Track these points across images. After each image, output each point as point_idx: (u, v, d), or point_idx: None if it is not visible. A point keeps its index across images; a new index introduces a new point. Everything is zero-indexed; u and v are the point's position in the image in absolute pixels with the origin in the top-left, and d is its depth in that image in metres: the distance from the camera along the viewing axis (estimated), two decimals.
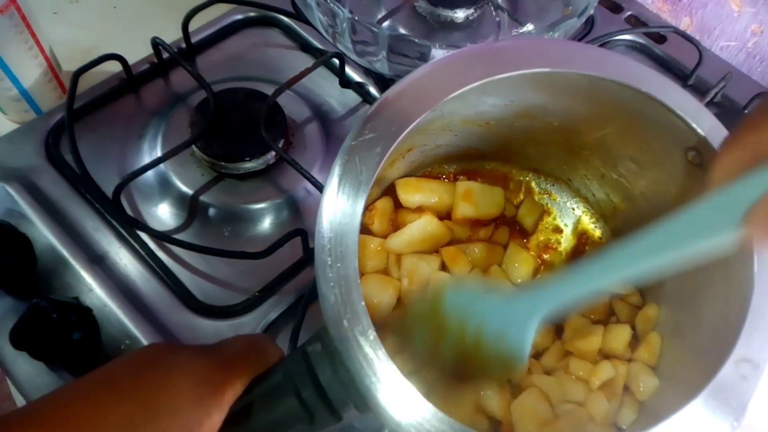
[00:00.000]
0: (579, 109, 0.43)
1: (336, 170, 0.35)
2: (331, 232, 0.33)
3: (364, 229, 0.45)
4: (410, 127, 0.36)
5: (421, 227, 0.44)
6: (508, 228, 0.48)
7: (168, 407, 0.30)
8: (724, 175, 0.27)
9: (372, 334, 0.31)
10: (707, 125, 0.38)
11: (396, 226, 0.45)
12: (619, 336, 0.43)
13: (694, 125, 0.38)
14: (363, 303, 0.32)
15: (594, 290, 0.32)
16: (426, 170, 0.49)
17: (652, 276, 0.30)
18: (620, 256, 0.31)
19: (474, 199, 0.46)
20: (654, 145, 0.42)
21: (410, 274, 0.43)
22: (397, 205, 0.46)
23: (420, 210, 0.46)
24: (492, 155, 0.50)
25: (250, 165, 0.57)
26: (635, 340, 0.43)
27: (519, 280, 0.46)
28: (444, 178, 0.49)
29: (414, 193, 0.46)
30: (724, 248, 0.28)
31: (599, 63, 0.40)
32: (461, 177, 0.49)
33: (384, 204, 0.45)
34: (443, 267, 0.45)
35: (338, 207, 0.34)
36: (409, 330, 0.38)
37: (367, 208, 0.45)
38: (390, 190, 0.47)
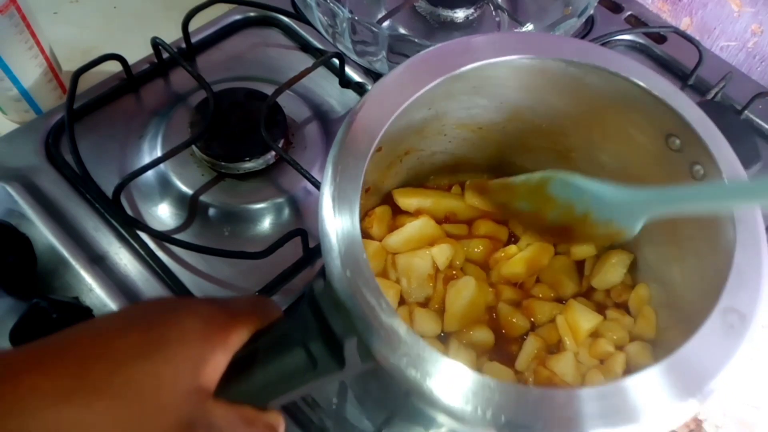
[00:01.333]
0: (564, 108, 0.44)
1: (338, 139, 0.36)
2: (336, 190, 0.34)
3: (364, 234, 0.46)
4: (400, 109, 0.37)
5: (418, 227, 0.45)
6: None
7: (176, 339, 0.30)
8: None
9: (374, 283, 0.32)
10: (686, 109, 0.39)
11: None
12: (616, 330, 0.43)
13: (674, 107, 0.39)
14: (365, 255, 0.32)
15: (695, 209, 0.36)
16: (421, 182, 0.50)
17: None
18: (715, 192, 0.36)
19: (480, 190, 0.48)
20: (636, 136, 0.42)
21: (407, 272, 0.44)
22: (396, 213, 0.47)
23: (418, 214, 0.47)
24: (485, 166, 0.50)
25: (250, 165, 0.57)
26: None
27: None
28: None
29: (412, 197, 0.47)
30: None
31: (581, 52, 0.41)
32: (455, 186, 0.50)
33: (382, 210, 0.46)
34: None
35: (340, 173, 0.35)
36: (511, 197, 0.44)
37: (366, 214, 0.46)
38: (388, 199, 0.48)
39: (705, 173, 0.38)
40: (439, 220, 0.47)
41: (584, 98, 0.42)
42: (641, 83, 0.40)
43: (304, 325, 0.33)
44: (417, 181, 0.50)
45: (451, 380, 0.30)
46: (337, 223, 0.33)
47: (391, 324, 0.31)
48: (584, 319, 0.42)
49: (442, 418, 0.32)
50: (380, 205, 0.47)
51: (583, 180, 0.40)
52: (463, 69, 0.39)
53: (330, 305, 0.33)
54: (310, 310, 0.33)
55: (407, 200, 0.47)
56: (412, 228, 0.45)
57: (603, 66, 0.40)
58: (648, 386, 0.31)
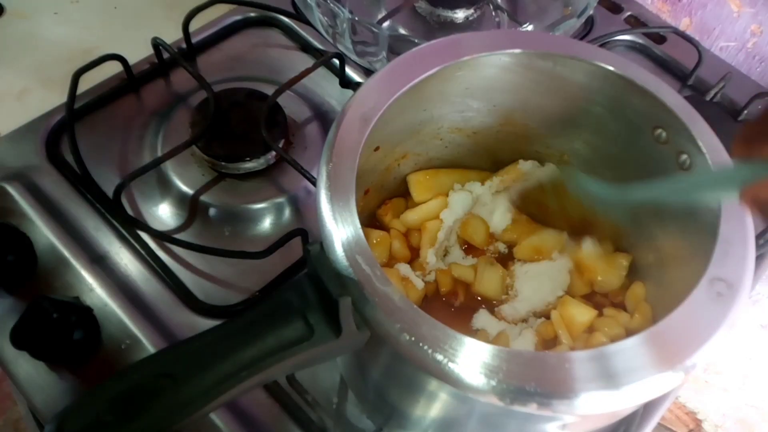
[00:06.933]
0: (553, 108, 0.45)
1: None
2: (332, 167, 0.37)
3: (377, 223, 0.48)
4: (393, 98, 0.39)
5: (434, 205, 0.48)
6: None
7: None
8: (740, 152, 0.32)
9: (369, 252, 0.33)
10: (670, 99, 0.39)
11: None
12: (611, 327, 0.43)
13: (659, 97, 0.40)
14: (359, 225, 0.34)
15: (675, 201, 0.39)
16: None
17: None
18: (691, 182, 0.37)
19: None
20: (624, 133, 0.43)
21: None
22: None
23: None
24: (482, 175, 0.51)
25: (250, 165, 0.57)
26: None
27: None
28: None
29: (426, 191, 0.49)
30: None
31: (567, 46, 0.42)
32: None
33: (397, 201, 0.48)
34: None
35: (336, 150, 0.38)
36: (544, 196, 0.47)
37: (383, 202, 0.48)
38: (405, 193, 0.49)
39: (692, 162, 0.39)
40: None
41: (572, 98, 0.43)
42: (624, 74, 0.40)
43: (303, 294, 0.34)
44: None
45: (444, 343, 0.31)
46: (332, 194, 0.35)
47: (385, 291, 0.32)
48: (579, 313, 0.43)
49: (435, 384, 0.33)
50: (395, 197, 0.49)
51: (581, 175, 0.42)
52: (452, 63, 0.40)
53: (327, 272, 0.33)
54: (308, 280, 0.34)
55: (422, 192, 0.49)
56: (429, 207, 0.48)
57: (587, 59, 0.41)
58: (638, 350, 0.31)
